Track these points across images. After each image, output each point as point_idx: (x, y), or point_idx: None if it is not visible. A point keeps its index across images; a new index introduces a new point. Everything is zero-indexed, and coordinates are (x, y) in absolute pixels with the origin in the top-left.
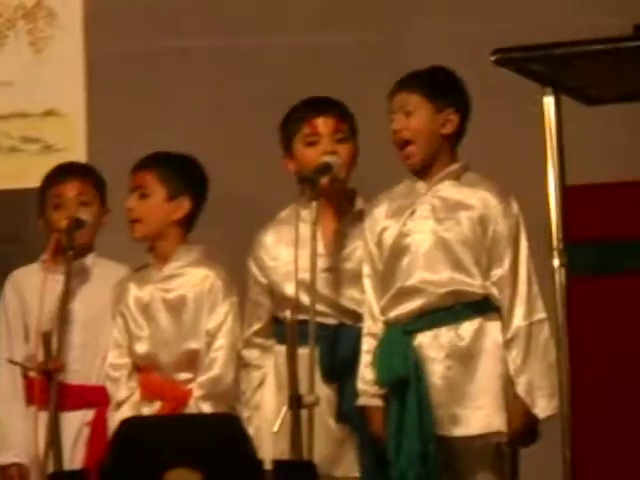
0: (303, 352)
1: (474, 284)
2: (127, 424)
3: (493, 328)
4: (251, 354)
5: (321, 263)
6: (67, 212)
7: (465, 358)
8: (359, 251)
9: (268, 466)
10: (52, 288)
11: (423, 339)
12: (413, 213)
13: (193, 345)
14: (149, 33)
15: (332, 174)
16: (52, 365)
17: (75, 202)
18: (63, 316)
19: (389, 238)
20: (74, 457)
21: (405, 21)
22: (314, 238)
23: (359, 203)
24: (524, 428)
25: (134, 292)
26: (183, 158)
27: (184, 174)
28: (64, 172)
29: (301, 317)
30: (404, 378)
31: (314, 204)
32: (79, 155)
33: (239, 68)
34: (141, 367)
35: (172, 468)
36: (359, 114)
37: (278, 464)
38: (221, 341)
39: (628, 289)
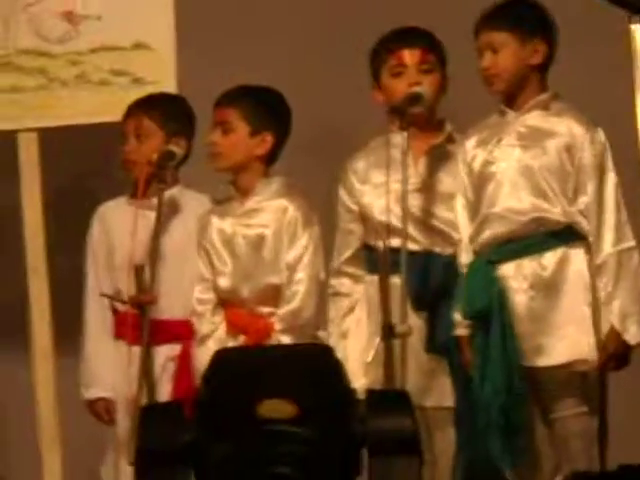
0: (394, 281)
1: (556, 211)
2: (221, 356)
3: (576, 257)
4: (341, 283)
5: (412, 185)
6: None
7: (548, 288)
8: (449, 175)
9: (360, 395)
10: (140, 221)
11: (506, 270)
12: (500, 141)
13: (274, 280)
14: None
15: (421, 104)
16: (145, 298)
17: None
18: (156, 249)
19: (477, 166)
20: (159, 391)
21: None
22: (404, 165)
23: (448, 127)
24: (616, 354)
25: (217, 226)
26: (267, 92)
27: (267, 109)
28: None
29: (392, 244)
30: (487, 309)
31: (404, 134)
32: (169, 87)
33: None
34: (225, 301)
35: (266, 399)
36: (452, 43)
37: (372, 393)
38: (301, 274)
39: None
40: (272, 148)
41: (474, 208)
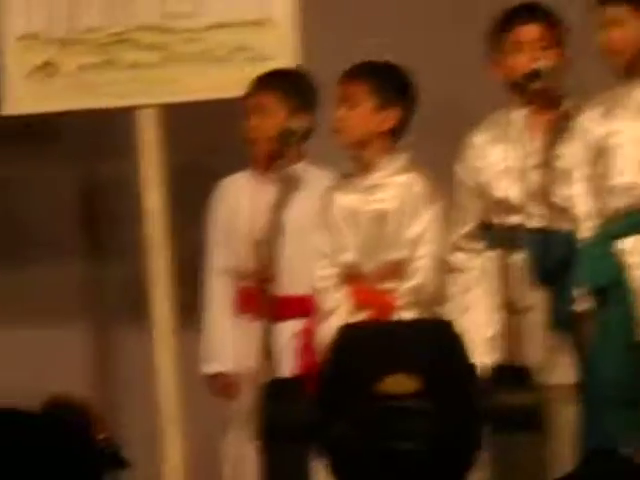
0: (514, 257)
1: None
2: (344, 331)
3: None
4: (458, 258)
5: (532, 161)
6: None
7: None
8: (569, 150)
9: (481, 370)
10: (262, 197)
11: (626, 245)
12: (618, 113)
13: (396, 255)
14: None
15: (541, 80)
16: (266, 273)
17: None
18: (277, 224)
19: (595, 139)
20: (283, 367)
21: None
22: (524, 142)
23: (567, 103)
24: None
25: (340, 201)
26: (392, 68)
27: (393, 84)
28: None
29: (512, 221)
30: (607, 284)
31: (524, 110)
32: (290, 63)
33: None
34: (347, 277)
35: (389, 373)
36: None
37: (494, 369)
38: (424, 249)
39: None
40: (398, 124)
41: (593, 182)
